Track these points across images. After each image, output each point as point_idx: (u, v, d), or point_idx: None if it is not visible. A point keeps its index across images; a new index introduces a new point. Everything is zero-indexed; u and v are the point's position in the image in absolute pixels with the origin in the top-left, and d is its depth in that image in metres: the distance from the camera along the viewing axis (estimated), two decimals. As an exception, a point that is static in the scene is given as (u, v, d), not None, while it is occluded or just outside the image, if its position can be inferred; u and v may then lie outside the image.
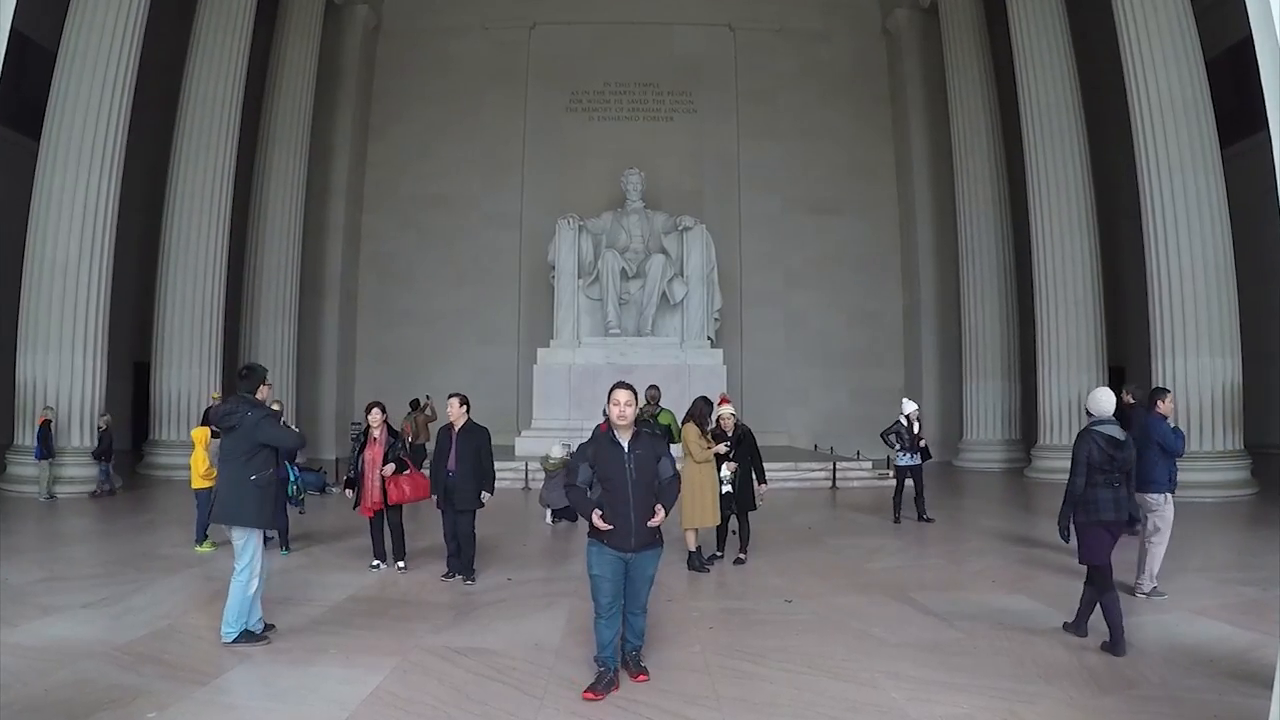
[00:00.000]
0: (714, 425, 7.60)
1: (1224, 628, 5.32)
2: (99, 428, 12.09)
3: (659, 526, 4.27)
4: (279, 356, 17.20)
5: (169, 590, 6.34)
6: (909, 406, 10.03)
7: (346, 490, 7.24)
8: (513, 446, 15.48)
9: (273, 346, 17.17)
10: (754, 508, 7.65)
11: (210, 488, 7.95)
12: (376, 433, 7.03)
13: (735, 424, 7.59)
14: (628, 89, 20.82)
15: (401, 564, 7.03)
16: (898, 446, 9.84)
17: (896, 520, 9.86)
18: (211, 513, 5.06)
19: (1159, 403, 6.53)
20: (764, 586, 6.69)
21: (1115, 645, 4.79)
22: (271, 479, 5.06)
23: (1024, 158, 15.47)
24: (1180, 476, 10.98)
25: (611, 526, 4.13)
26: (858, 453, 15.28)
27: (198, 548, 7.84)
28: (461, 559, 6.82)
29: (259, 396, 5.27)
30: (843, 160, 20.49)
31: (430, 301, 19.95)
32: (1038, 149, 15.09)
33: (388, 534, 7.16)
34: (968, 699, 4.13)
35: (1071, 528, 5.09)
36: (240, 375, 5.28)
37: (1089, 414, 5.19)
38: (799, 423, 19.51)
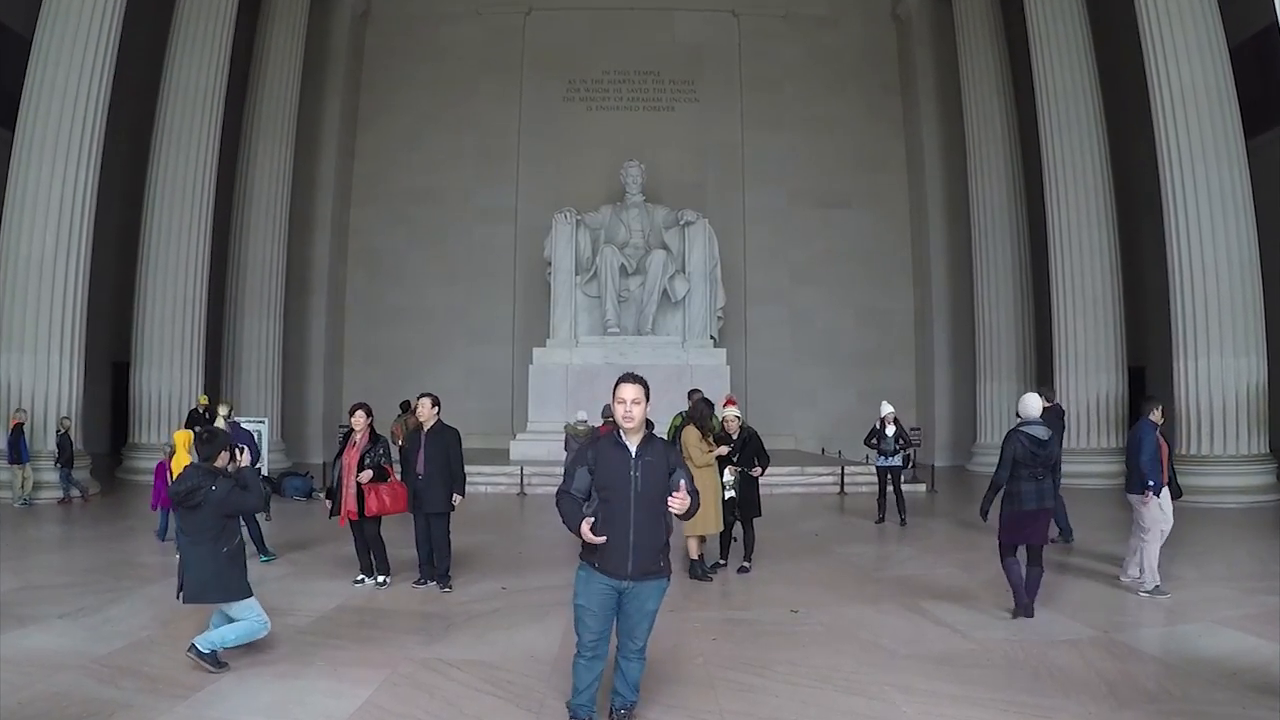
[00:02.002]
0: (718, 428, 7.59)
1: (1248, 639, 5.31)
2: (57, 430, 11.84)
3: (665, 554, 3.78)
4: (264, 356, 17.22)
5: (148, 600, 6.33)
6: (885, 409, 10.67)
7: (326, 499, 7.14)
8: (507, 450, 15.51)
9: (257, 346, 17.17)
10: (759, 514, 7.66)
11: None
12: (358, 436, 6.97)
13: (740, 426, 7.59)
14: (627, 77, 20.83)
15: (383, 579, 6.89)
16: (876, 445, 10.56)
17: (879, 520, 10.50)
18: (184, 595, 4.88)
19: (1152, 411, 6.91)
20: (769, 596, 6.70)
21: (1021, 608, 5.79)
22: (240, 544, 5.00)
23: (1040, 148, 15.48)
24: (1204, 481, 11.27)
25: (604, 538, 3.61)
26: (866, 457, 15.21)
27: (179, 556, 7.82)
28: (437, 566, 6.84)
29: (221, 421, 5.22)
30: (851, 152, 20.50)
31: (421, 299, 19.95)
32: (1055, 139, 15.09)
33: None
34: (982, 713, 4.13)
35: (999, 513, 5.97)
36: (200, 439, 5.13)
37: (1018, 415, 6.08)
38: (805, 425, 19.52)
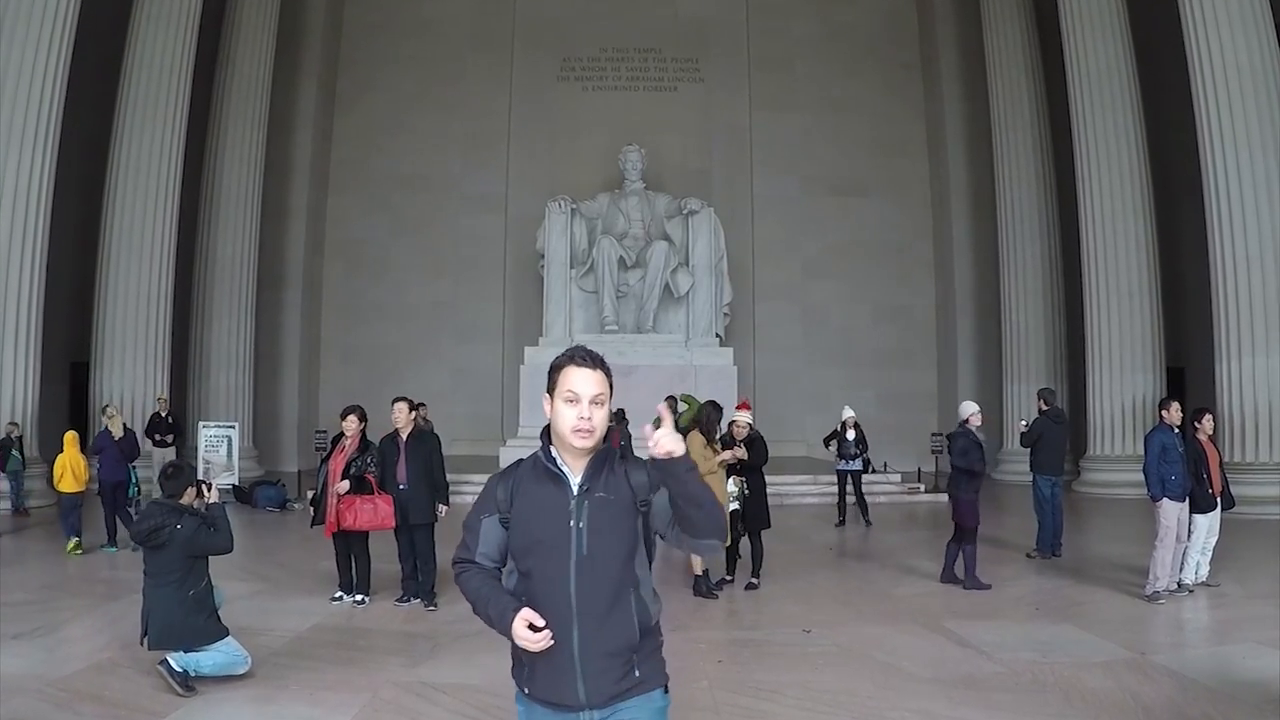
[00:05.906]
0: (724, 432, 7.60)
1: (1296, 661, 5.32)
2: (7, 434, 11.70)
3: (653, 651, 2.39)
4: (234, 356, 17.23)
5: (109, 619, 6.34)
6: (847, 413, 11.61)
7: (310, 506, 7.24)
8: (497, 457, 15.50)
9: (227, 345, 17.17)
10: (767, 526, 7.66)
11: (80, 492, 9.06)
12: (348, 441, 6.97)
13: (749, 432, 7.59)
14: (626, 55, 20.82)
15: (361, 598, 6.90)
16: (835, 452, 11.52)
17: (840, 522, 11.38)
18: (148, 640, 4.87)
19: (1164, 412, 7.34)
20: (779, 614, 6.71)
21: (969, 579, 7.48)
22: (208, 586, 5.03)
23: (1072, 132, 15.48)
24: (1246, 490, 11.25)
25: (548, 639, 2.16)
26: (884, 464, 15.29)
27: (68, 545, 8.83)
28: (421, 582, 6.87)
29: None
30: (868, 135, 20.49)
31: (404, 294, 19.94)
32: (1087, 122, 15.08)
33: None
34: (1008, 741, 4.14)
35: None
36: (165, 474, 5.17)
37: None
38: (818, 430, 19.28)
